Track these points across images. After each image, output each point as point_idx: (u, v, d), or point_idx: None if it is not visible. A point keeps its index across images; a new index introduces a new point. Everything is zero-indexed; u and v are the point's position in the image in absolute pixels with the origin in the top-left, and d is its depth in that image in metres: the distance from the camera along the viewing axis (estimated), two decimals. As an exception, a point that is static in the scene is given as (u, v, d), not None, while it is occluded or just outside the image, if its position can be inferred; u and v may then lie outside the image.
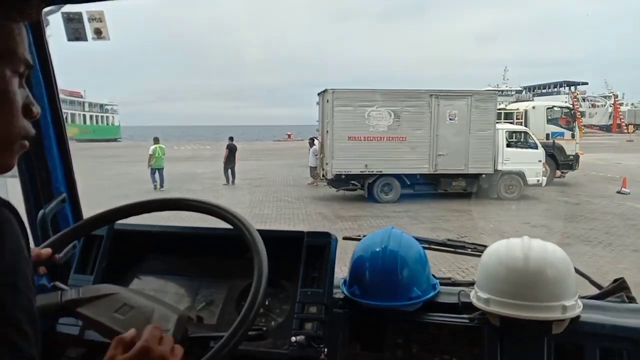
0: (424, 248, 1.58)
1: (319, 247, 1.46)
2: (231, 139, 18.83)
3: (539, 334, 1.29)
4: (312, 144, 17.51)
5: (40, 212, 1.60)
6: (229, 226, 1.12)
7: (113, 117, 75.10)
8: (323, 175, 14.52)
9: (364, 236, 1.62)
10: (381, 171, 13.56)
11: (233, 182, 17.44)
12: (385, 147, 13.44)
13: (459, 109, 13.61)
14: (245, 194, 15.02)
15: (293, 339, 1.32)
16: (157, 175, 15.88)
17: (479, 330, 1.36)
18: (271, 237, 1.15)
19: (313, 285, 1.41)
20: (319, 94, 14.99)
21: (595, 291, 1.59)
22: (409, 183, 13.77)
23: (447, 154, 13.59)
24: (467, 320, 1.40)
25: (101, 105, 72.50)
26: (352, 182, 13.83)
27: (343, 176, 13.73)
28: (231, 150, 17.85)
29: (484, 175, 13.85)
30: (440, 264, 5.50)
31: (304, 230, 1.52)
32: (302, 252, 1.45)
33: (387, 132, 13.45)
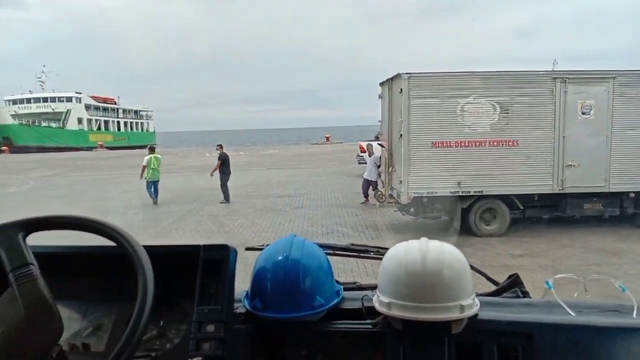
0: (327, 254, 1.54)
1: (216, 261, 1.36)
2: (220, 147, 15.54)
3: (439, 335, 1.30)
4: (368, 150, 13.41)
5: None
6: (112, 243, 1.05)
7: (148, 123, 74.20)
8: (391, 197, 10.45)
9: (267, 246, 1.52)
10: (481, 191, 9.33)
11: (227, 199, 14.13)
12: (487, 157, 9.21)
13: (596, 97, 9.19)
14: (284, 222, 11.08)
15: None
16: (152, 189, 13.84)
17: (382, 335, 1.34)
18: (164, 253, 1.17)
19: (210, 303, 1.31)
20: (382, 84, 10.87)
21: (491, 287, 1.62)
22: (520, 207, 9.50)
23: (579, 164, 9.24)
24: (370, 326, 1.36)
25: (136, 112, 71.53)
26: (437, 206, 9.63)
27: (425, 199, 9.49)
28: (224, 161, 14.75)
29: (632, 195, 9.45)
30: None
31: (201, 243, 1.40)
32: (198, 268, 1.35)
33: (489, 134, 9.17)
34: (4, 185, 18.88)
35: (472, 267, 1.41)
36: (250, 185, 17.31)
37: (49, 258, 1.23)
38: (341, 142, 52.11)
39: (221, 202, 13.81)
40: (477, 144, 9.21)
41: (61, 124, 55.09)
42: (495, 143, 9.20)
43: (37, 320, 0.92)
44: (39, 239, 1.10)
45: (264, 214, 12.12)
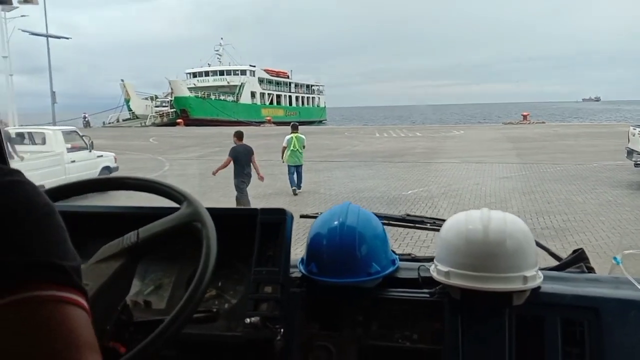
0: (383, 224, 1.53)
1: (273, 224, 1.39)
2: (239, 135, 9.31)
3: (500, 306, 1.28)
4: None
5: None
6: (177, 205, 1.07)
7: (319, 98, 71.67)
8: None
9: (321, 214, 1.53)
10: None
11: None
12: None
13: None
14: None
15: (247, 320, 1.27)
16: (295, 175, 11.23)
17: (440, 305, 1.34)
18: (222, 216, 1.13)
19: (268, 264, 1.35)
20: None
21: (554, 263, 1.54)
22: None
23: None
24: (427, 295, 1.37)
25: (308, 86, 69.35)
26: None
27: None
28: (237, 156, 9.01)
29: None
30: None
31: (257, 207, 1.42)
32: (256, 230, 1.39)
33: None
34: (134, 169, 15.37)
35: (536, 243, 1.36)
36: (449, 196, 10.51)
37: (110, 218, 1.33)
38: (543, 122, 41.51)
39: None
40: None
41: (235, 97, 54.77)
42: None
43: None
44: (106, 199, 1.01)
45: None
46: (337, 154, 19.39)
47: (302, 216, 1.77)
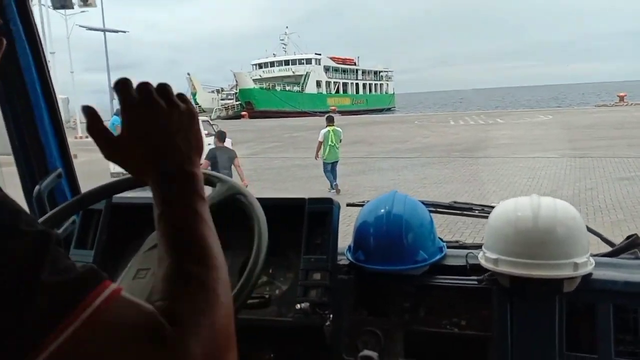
0: (430, 211, 1.53)
1: (321, 213, 1.43)
2: (221, 136, 8.95)
3: (550, 293, 1.27)
4: None
5: (36, 188, 1.53)
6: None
7: (387, 84, 68.81)
8: None
9: (367, 202, 1.57)
10: None
11: None
12: None
13: None
14: None
15: (298, 306, 1.32)
16: (331, 172, 10.31)
17: (488, 292, 1.34)
18: (271, 205, 1.13)
19: (316, 252, 1.39)
20: None
21: (607, 249, 1.50)
22: None
23: None
24: (475, 282, 1.37)
25: (375, 72, 66.68)
26: None
27: None
28: (215, 161, 8.11)
29: None
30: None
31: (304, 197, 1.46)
32: (304, 219, 1.43)
33: None
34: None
35: (587, 229, 1.34)
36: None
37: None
38: (646, 104, 36.13)
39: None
40: None
41: (300, 87, 53.41)
42: None
43: None
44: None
45: None
46: (405, 147, 17.00)
47: (348, 205, 1.77)
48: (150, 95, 0.63)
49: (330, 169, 10.48)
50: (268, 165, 14.57)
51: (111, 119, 14.45)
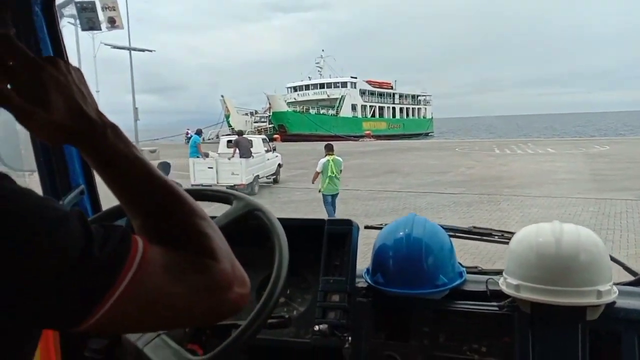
0: (450, 236, 1.52)
1: (340, 234, 1.43)
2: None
3: (573, 321, 1.25)
4: None
5: None
6: None
7: (425, 108, 66.93)
8: None
9: (386, 224, 1.56)
10: None
11: None
12: None
13: None
14: None
15: (316, 327, 1.31)
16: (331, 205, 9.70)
17: (509, 318, 1.32)
18: (291, 226, 1.12)
19: (335, 274, 1.39)
20: None
21: (629, 279, 1.49)
22: None
23: None
24: (496, 308, 1.35)
25: (413, 96, 65.01)
26: None
27: None
28: None
29: None
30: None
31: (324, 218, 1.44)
32: (323, 240, 1.43)
33: None
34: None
35: (610, 258, 1.32)
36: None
37: None
38: None
39: None
40: None
41: (335, 110, 52.10)
42: None
43: None
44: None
45: None
46: (447, 180, 14.96)
47: (366, 227, 1.76)
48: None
49: (331, 201, 9.79)
50: (287, 198, 12.83)
51: (192, 137, 15.48)
